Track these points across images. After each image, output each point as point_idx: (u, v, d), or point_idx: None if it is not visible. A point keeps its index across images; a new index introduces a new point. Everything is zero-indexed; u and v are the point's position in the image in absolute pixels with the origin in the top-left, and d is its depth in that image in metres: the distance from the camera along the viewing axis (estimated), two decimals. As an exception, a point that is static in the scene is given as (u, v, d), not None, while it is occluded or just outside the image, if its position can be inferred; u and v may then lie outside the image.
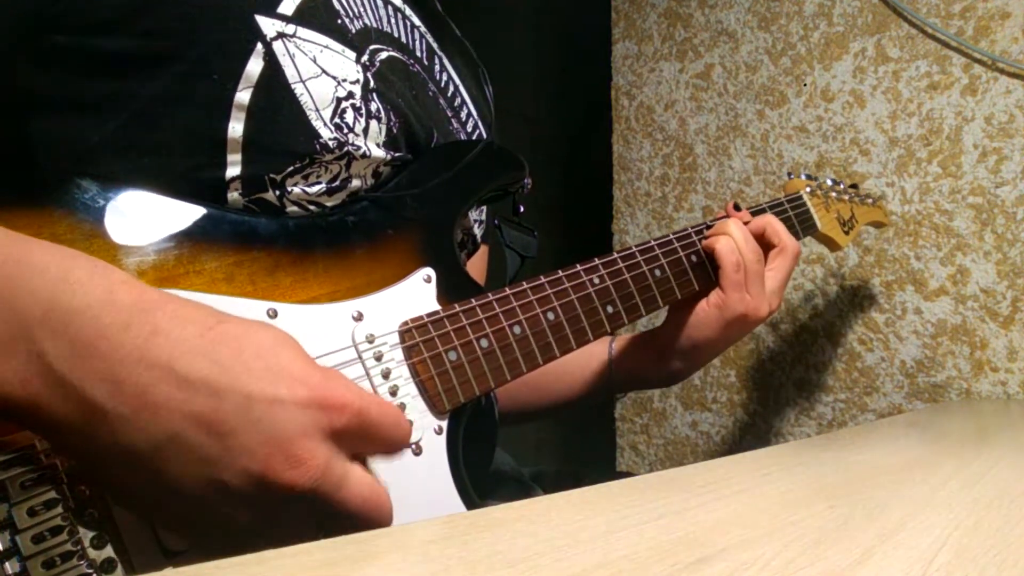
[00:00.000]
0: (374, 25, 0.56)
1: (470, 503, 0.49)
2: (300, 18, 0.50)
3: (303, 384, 0.34)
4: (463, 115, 0.66)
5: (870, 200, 0.94)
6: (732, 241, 0.67)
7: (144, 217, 0.43)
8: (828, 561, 0.29)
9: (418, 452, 0.48)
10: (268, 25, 0.48)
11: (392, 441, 0.38)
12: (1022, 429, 0.77)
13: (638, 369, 0.75)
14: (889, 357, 1.09)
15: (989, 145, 1.00)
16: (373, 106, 0.53)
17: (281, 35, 0.48)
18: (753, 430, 1.23)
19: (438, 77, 0.63)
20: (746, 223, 0.70)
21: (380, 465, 0.43)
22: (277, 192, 0.49)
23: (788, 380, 1.19)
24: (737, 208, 0.73)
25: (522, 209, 0.65)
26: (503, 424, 0.80)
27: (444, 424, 0.50)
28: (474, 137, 0.67)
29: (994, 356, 1.00)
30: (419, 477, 0.48)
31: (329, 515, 0.36)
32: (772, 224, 0.71)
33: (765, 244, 0.71)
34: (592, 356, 0.77)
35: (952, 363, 1.03)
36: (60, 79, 0.45)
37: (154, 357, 0.33)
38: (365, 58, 0.53)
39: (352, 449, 0.37)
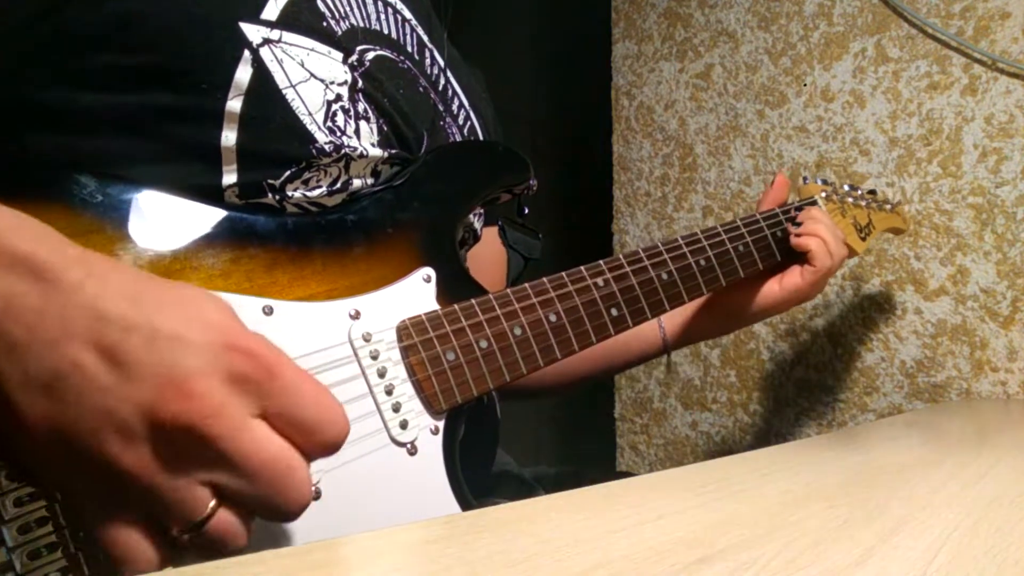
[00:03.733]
0: (362, 24, 0.56)
1: (465, 504, 0.49)
2: (284, 22, 0.49)
3: (216, 329, 0.33)
4: (455, 107, 0.66)
5: (888, 206, 0.93)
6: (825, 245, 0.74)
7: (142, 213, 0.43)
8: (828, 561, 0.29)
9: (413, 452, 0.48)
10: (253, 32, 0.48)
11: (308, 420, 0.34)
12: (1022, 429, 0.77)
13: (694, 334, 0.82)
14: (889, 357, 1.09)
15: (989, 145, 1.00)
16: (360, 107, 0.53)
17: (267, 41, 0.48)
18: (753, 430, 1.23)
19: (429, 71, 0.63)
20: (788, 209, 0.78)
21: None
22: (277, 197, 0.49)
23: (788, 380, 1.19)
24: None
25: (527, 211, 0.65)
26: (549, 395, 0.88)
27: (441, 424, 0.50)
28: (466, 129, 0.66)
29: (994, 356, 1.00)
30: (414, 477, 0.48)
31: (230, 474, 0.32)
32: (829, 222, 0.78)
33: None
34: (643, 326, 0.81)
35: (952, 363, 1.03)
36: (51, 93, 0.45)
37: (82, 294, 0.32)
38: (353, 58, 0.53)
39: (260, 407, 0.33)
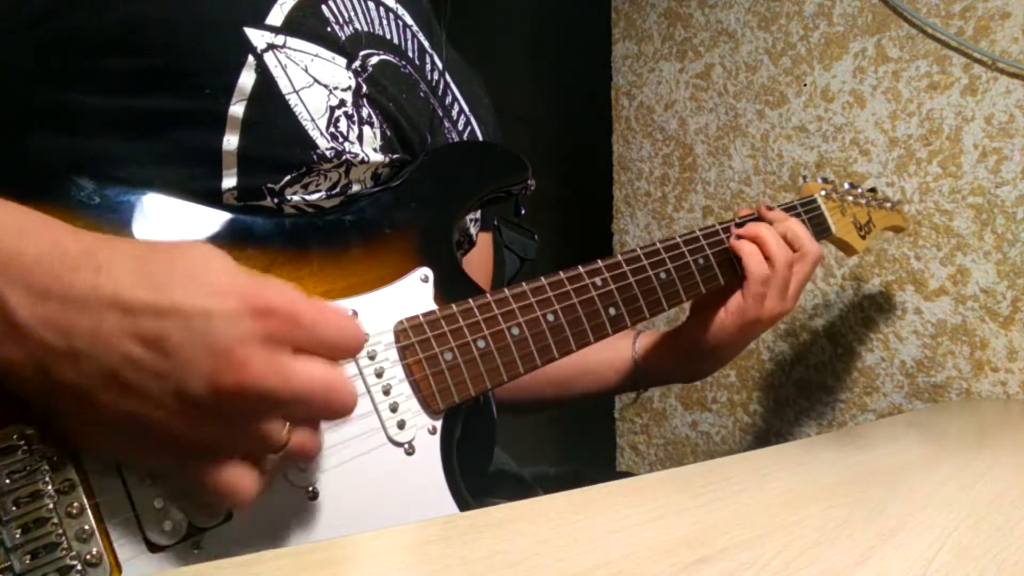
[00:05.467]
0: (365, 29, 0.56)
1: (463, 504, 0.49)
2: (289, 28, 0.49)
3: (231, 295, 0.36)
4: (454, 112, 0.66)
5: (888, 204, 0.92)
6: (760, 252, 0.68)
7: (140, 215, 0.43)
8: (828, 561, 0.29)
9: (411, 452, 0.48)
10: (258, 37, 0.48)
11: (333, 340, 0.39)
12: (1022, 429, 0.77)
13: (664, 367, 0.77)
14: (889, 357, 1.08)
15: (989, 145, 1.00)
16: (364, 112, 0.53)
17: (271, 46, 0.48)
18: (753, 430, 1.23)
19: (429, 76, 0.63)
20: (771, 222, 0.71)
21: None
22: (275, 200, 0.49)
23: (788, 380, 1.19)
24: (769, 208, 0.73)
25: (524, 211, 0.65)
26: (519, 413, 0.85)
27: (438, 424, 0.50)
28: (465, 134, 0.66)
29: (994, 356, 1.00)
30: (412, 477, 0.48)
31: (291, 408, 0.38)
32: (793, 228, 0.71)
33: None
34: (617, 354, 0.79)
35: (952, 363, 1.03)
36: (53, 96, 0.45)
37: (101, 293, 0.35)
38: (357, 64, 0.53)
39: (294, 348, 0.37)
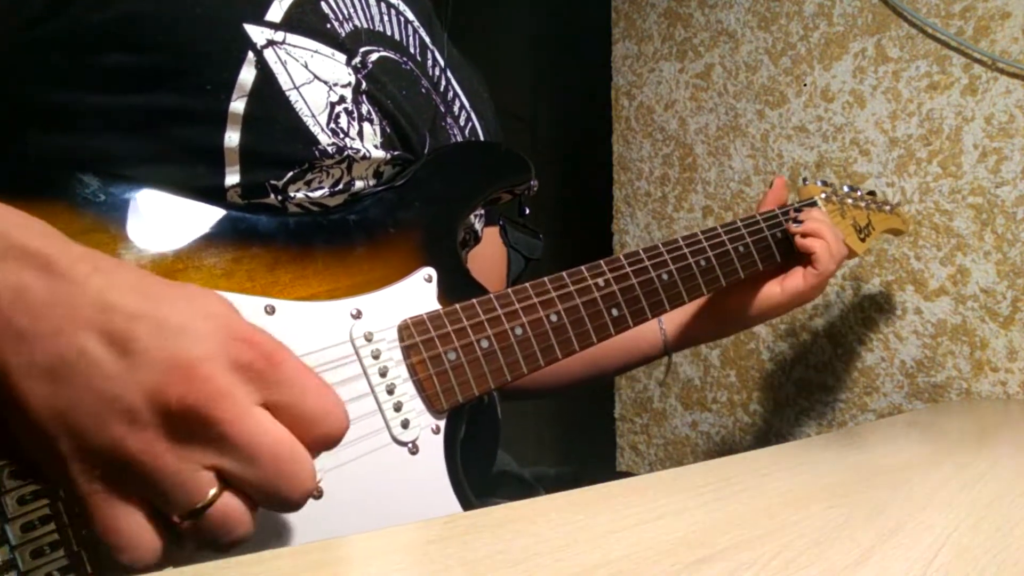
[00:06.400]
0: (365, 25, 0.56)
1: (467, 503, 0.49)
2: (289, 24, 0.50)
3: (220, 321, 0.34)
4: (455, 108, 0.66)
5: (888, 207, 0.93)
6: (828, 248, 0.74)
7: (144, 212, 0.43)
8: (828, 561, 0.29)
9: (415, 452, 0.48)
10: (257, 33, 0.48)
11: (309, 412, 0.34)
12: (1022, 429, 0.77)
13: (695, 336, 0.82)
14: (889, 357, 1.09)
15: (989, 145, 1.00)
16: (364, 108, 0.53)
17: (271, 42, 0.48)
18: (753, 430, 1.23)
19: (430, 72, 0.63)
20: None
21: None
22: (279, 197, 0.49)
23: (788, 380, 1.19)
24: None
25: (527, 211, 0.65)
26: (544, 395, 0.88)
27: (442, 424, 0.50)
28: (467, 130, 0.67)
29: (994, 356, 1.00)
30: (415, 477, 0.48)
31: (233, 458, 0.33)
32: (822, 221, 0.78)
33: None
34: (644, 329, 0.82)
35: (952, 363, 1.03)
36: (54, 94, 0.45)
37: (90, 286, 0.33)
38: (357, 60, 0.53)
39: (263, 396, 0.33)
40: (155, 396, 0.32)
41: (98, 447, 0.32)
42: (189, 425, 0.32)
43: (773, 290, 0.76)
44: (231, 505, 0.33)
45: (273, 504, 0.35)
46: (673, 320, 0.82)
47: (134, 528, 0.33)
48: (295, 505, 0.34)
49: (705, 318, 0.80)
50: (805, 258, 0.75)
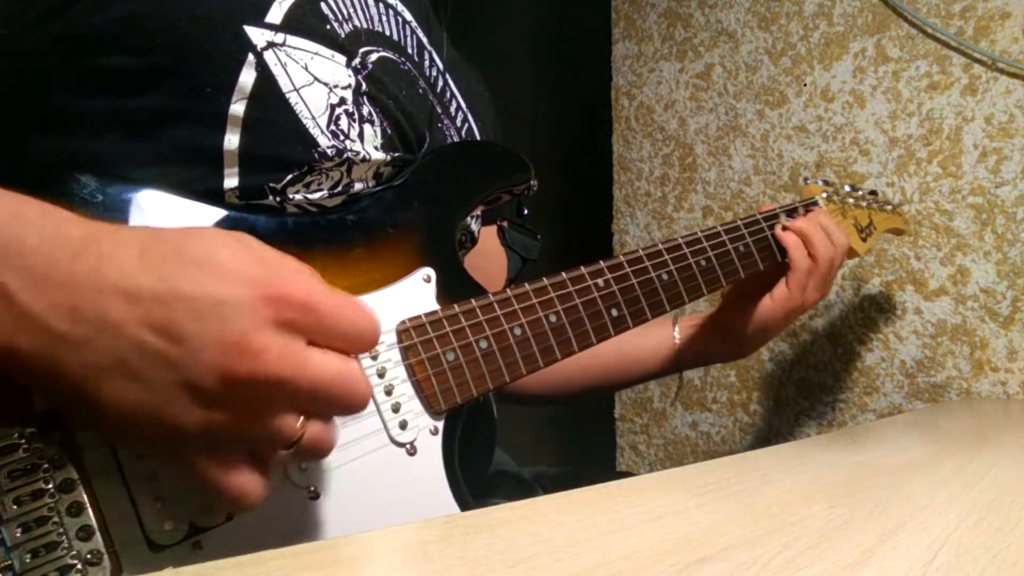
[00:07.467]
0: (364, 26, 0.56)
1: (464, 504, 0.49)
2: (288, 26, 0.49)
3: (243, 283, 0.36)
4: (452, 109, 0.66)
5: (889, 207, 0.93)
6: (806, 246, 0.74)
7: (142, 212, 0.43)
8: (828, 561, 0.29)
9: (413, 452, 0.48)
10: (257, 35, 0.48)
11: (349, 334, 0.38)
12: (1022, 429, 0.77)
13: (705, 352, 0.82)
14: (889, 357, 1.09)
15: (989, 145, 1.00)
16: (365, 110, 0.53)
17: (271, 44, 0.48)
18: (753, 430, 1.23)
19: (428, 73, 0.63)
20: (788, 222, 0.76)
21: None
22: (278, 199, 0.49)
23: (788, 380, 1.19)
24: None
25: (526, 211, 0.65)
26: (556, 402, 0.89)
27: (440, 425, 0.50)
28: (463, 131, 0.66)
29: (994, 356, 1.00)
30: (414, 477, 0.48)
31: (306, 400, 0.37)
32: (823, 220, 0.77)
33: None
34: (658, 340, 0.83)
35: (952, 363, 1.03)
36: (54, 96, 0.45)
37: (104, 281, 0.34)
38: (356, 61, 0.53)
39: (308, 338, 0.37)
40: (223, 374, 0.34)
41: (187, 429, 0.35)
42: (261, 390, 0.35)
43: (766, 302, 0.76)
44: (315, 430, 0.38)
45: (346, 415, 0.43)
46: (685, 339, 0.82)
47: (245, 482, 0.37)
48: (363, 407, 0.39)
49: (712, 339, 0.81)
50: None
